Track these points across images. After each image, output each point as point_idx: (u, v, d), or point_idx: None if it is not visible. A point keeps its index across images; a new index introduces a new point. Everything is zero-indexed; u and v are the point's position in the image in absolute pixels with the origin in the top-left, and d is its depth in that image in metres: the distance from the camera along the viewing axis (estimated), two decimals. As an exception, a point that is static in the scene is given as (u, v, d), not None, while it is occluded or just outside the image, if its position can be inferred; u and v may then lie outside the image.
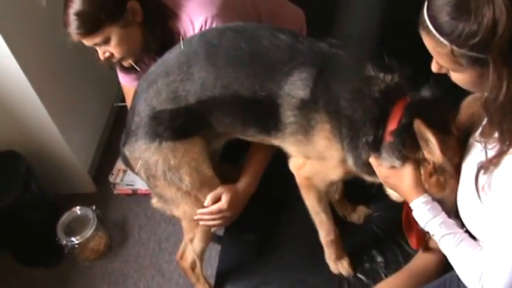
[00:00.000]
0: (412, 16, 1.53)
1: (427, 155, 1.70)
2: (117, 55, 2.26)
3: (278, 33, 1.98)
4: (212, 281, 2.46)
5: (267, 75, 1.93)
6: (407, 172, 1.78)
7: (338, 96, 1.86)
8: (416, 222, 1.83)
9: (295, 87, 1.89)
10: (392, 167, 1.81)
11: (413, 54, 1.58)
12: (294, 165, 2.10)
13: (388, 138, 1.80)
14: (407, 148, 1.76)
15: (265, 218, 2.48)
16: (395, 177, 1.83)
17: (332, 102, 1.87)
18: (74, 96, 3.37)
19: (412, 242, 2.04)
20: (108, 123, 3.83)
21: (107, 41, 2.19)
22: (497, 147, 1.48)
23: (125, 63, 2.33)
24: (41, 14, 2.93)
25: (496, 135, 1.49)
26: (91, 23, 2.12)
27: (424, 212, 1.73)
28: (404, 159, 1.78)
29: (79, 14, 2.10)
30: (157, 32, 2.24)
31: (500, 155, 1.47)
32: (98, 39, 2.17)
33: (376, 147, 1.83)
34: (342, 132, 1.88)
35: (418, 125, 1.66)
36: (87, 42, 2.20)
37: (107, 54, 2.25)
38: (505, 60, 1.36)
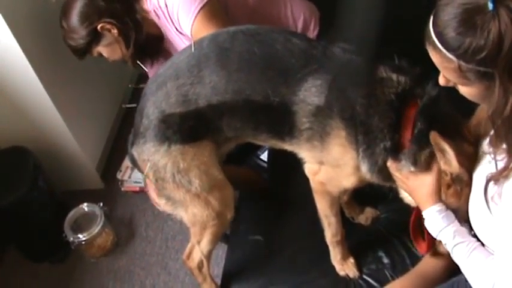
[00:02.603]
0: (420, 15, 1.54)
1: (444, 166, 1.70)
2: (116, 60, 2.63)
3: (292, 37, 1.97)
4: (218, 280, 2.46)
5: (280, 80, 1.92)
6: (428, 179, 1.78)
7: (353, 103, 1.85)
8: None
9: (310, 94, 1.88)
10: (412, 172, 1.81)
11: (423, 53, 1.57)
12: (309, 170, 2.10)
13: (407, 145, 1.80)
14: (427, 153, 1.76)
15: (272, 219, 2.49)
16: (415, 181, 1.82)
17: (347, 109, 1.86)
18: (83, 93, 3.37)
19: (421, 247, 2.03)
20: (116, 120, 3.84)
21: (101, 55, 2.60)
22: (506, 159, 1.48)
23: (130, 64, 2.62)
24: (51, 10, 2.93)
25: (504, 146, 1.49)
26: (80, 52, 2.58)
27: (438, 220, 1.72)
28: (424, 166, 1.78)
29: (70, 47, 2.57)
30: (133, 36, 2.50)
31: (509, 167, 1.47)
32: (93, 55, 2.60)
33: (394, 151, 1.83)
34: (358, 139, 1.87)
35: (434, 137, 1.66)
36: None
37: (110, 60, 2.65)
38: (511, 75, 1.36)
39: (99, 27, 2.44)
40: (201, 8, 2.29)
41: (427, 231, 1.82)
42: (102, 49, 2.54)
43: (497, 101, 1.40)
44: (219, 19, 2.32)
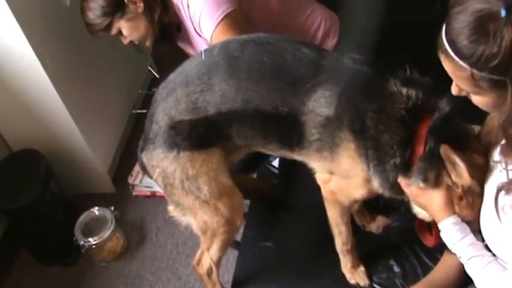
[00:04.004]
0: (434, 21, 1.53)
1: (455, 179, 1.68)
2: (134, 40, 2.61)
3: (302, 47, 1.95)
4: (228, 287, 2.44)
5: (289, 90, 1.90)
6: (437, 193, 1.76)
7: (363, 116, 1.84)
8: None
9: (320, 105, 1.87)
10: (422, 188, 1.79)
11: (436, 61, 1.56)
12: (320, 179, 2.09)
13: (416, 163, 1.78)
14: (436, 171, 1.74)
15: (282, 225, 2.47)
16: (424, 197, 1.81)
17: (357, 122, 1.84)
18: (95, 96, 3.38)
19: (428, 240, 2.01)
20: (128, 124, 3.85)
21: (120, 33, 2.55)
22: None
23: (147, 45, 2.64)
24: (65, 14, 2.94)
25: None
26: (101, 25, 2.51)
27: (453, 233, 1.70)
28: (434, 182, 1.76)
29: (90, 21, 2.51)
30: (158, 12, 2.51)
31: None
32: (113, 32, 2.55)
33: (404, 168, 1.81)
34: (368, 154, 1.85)
35: (445, 151, 1.64)
36: (107, 36, 2.58)
37: (128, 41, 2.61)
38: None
39: None
40: (225, 17, 2.32)
41: (435, 224, 1.82)
42: (123, 24, 2.51)
43: (509, 109, 1.39)
44: (240, 29, 2.33)
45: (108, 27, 2.51)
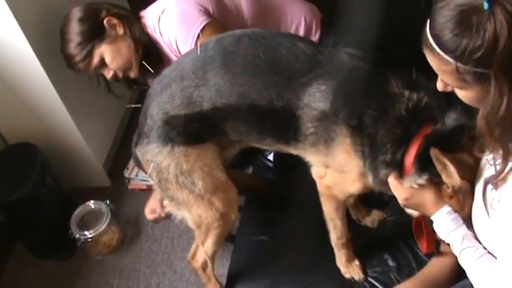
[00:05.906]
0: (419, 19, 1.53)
1: (445, 179, 1.69)
2: (118, 70, 2.55)
3: (297, 42, 1.95)
4: (224, 280, 2.45)
5: (284, 85, 1.90)
6: (427, 190, 1.77)
7: (361, 113, 1.84)
8: (428, 228, 1.82)
9: (315, 99, 1.87)
10: (413, 188, 1.80)
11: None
12: (315, 173, 2.09)
13: (407, 169, 1.79)
14: (427, 175, 1.75)
15: (277, 219, 2.48)
16: (416, 197, 1.81)
17: (354, 118, 1.85)
18: (91, 90, 3.37)
19: (423, 246, 2.03)
20: (124, 118, 3.84)
21: (103, 61, 2.50)
22: (501, 162, 1.48)
23: (132, 76, 2.56)
24: (62, 10, 2.93)
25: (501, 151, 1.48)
26: (82, 54, 2.48)
27: (447, 223, 1.71)
28: (426, 183, 1.77)
29: (70, 52, 2.50)
30: (140, 34, 2.50)
31: (504, 170, 1.47)
32: (95, 61, 2.50)
33: (393, 166, 1.82)
34: (364, 151, 1.86)
35: (435, 153, 1.65)
36: (90, 69, 2.56)
37: (111, 73, 2.57)
38: (506, 75, 1.35)
39: (105, 20, 2.43)
40: (199, 34, 2.31)
41: (428, 231, 1.82)
42: (105, 48, 2.47)
43: (492, 102, 1.40)
44: None
45: (89, 55, 2.48)
